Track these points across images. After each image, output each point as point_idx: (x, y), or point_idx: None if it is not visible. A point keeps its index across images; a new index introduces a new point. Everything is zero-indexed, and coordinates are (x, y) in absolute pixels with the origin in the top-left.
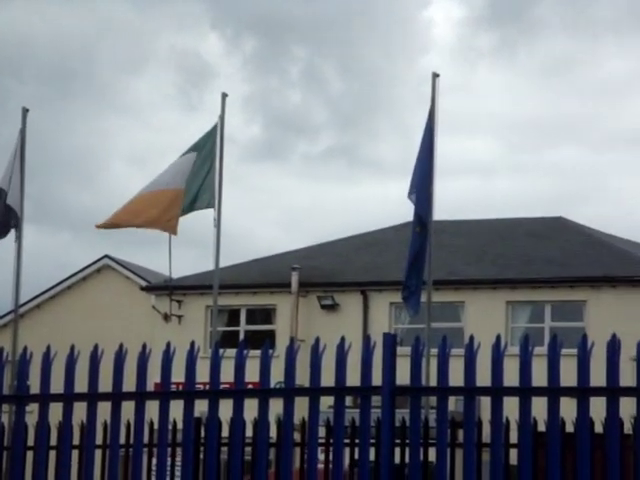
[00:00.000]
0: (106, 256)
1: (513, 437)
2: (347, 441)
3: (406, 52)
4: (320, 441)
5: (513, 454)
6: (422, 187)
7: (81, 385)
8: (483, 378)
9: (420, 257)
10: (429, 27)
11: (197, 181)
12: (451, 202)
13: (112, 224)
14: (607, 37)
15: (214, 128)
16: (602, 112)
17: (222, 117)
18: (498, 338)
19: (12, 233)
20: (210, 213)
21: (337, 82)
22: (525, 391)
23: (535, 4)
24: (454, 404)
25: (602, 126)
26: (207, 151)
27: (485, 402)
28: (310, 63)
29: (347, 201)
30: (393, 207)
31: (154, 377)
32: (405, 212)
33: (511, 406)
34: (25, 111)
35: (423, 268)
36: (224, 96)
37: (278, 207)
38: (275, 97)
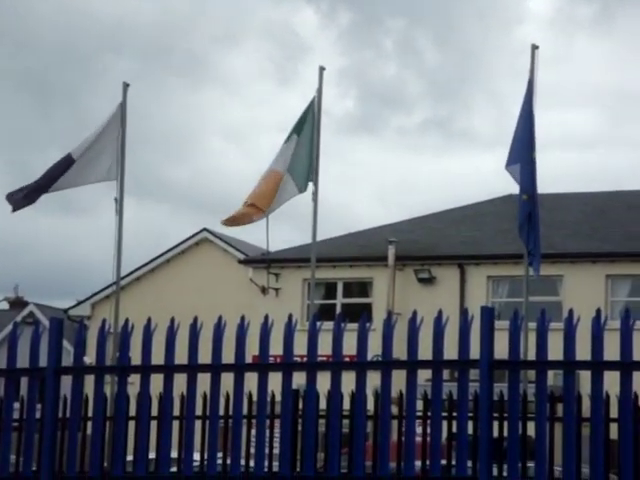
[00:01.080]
0: (204, 229)
1: (613, 412)
2: (445, 414)
3: (502, 23)
4: (418, 414)
5: (613, 429)
6: (524, 159)
7: (181, 357)
8: (582, 352)
9: (533, 223)
10: None
11: (302, 162)
12: (550, 175)
13: (236, 220)
14: None
15: (311, 103)
16: None
17: (320, 91)
18: (598, 312)
19: (113, 206)
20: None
21: (432, 54)
22: (626, 365)
23: None
24: (553, 378)
25: None
26: (306, 128)
27: (584, 376)
28: (405, 35)
29: (442, 174)
30: (488, 179)
31: (252, 349)
32: (500, 184)
33: (611, 381)
34: (126, 86)
35: (538, 233)
36: (321, 69)
37: (373, 181)
38: (370, 70)
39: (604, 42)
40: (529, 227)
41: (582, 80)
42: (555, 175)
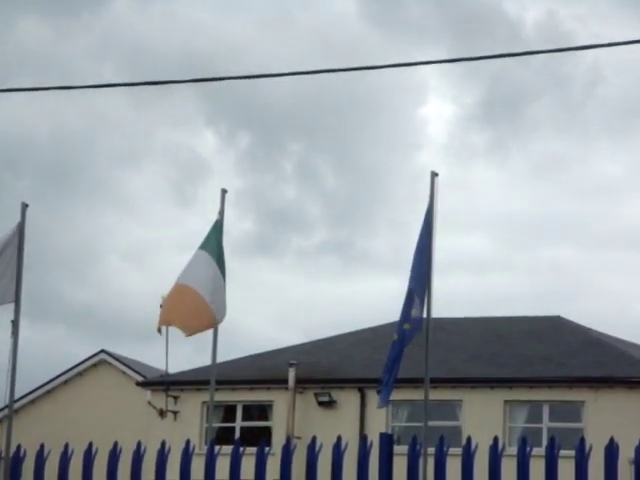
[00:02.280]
0: (102, 351)
1: None
2: None
3: (401, 148)
4: None
5: None
6: (421, 284)
7: None
8: (481, 478)
9: (397, 360)
10: (424, 125)
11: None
12: (449, 299)
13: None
14: (600, 138)
15: (216, 225)
16: (597, 211)
17: (222, 213)
18: (496, 439)
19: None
20: None
21: (331, 177)
22: None
23: (527, 104)
24: None
25: (598, 225)
26: (217, 250)
27: None
28: (304, 158)
29: (342, 296)
30: (388, 302)
31: (149, 474)
32: (400, 307)
33: None
34: (24, 206)
35: (399, 364)
36: (224, 192)
37: (273, 302)
38: (269, 192)
39: (498, 169)
40: (395, 356)
41: (479, 206)
42: (455, 299)
